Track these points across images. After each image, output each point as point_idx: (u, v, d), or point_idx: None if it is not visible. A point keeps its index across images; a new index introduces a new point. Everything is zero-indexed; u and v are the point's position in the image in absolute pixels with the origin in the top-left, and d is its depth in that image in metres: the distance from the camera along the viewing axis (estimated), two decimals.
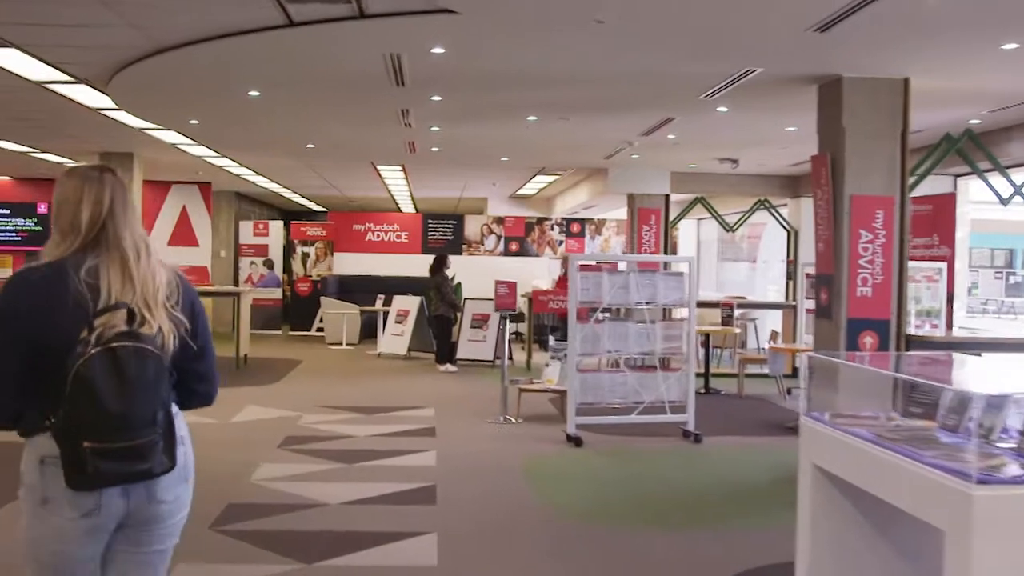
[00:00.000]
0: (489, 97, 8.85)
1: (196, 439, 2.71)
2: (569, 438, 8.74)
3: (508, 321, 10.64)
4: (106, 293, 2.42)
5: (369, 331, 17.52)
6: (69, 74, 8.00)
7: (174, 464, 2.45)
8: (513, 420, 9.80)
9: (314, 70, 7.77)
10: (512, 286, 10.77)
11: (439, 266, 14.42)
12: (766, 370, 12.59)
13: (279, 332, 19.48)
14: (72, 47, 7.14)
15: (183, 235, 18.58)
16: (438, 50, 6.84)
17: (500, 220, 21.18)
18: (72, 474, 2.31)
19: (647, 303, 8.96)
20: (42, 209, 18.05)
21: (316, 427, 9.25)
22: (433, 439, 8.84)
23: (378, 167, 15.77)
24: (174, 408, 2.51)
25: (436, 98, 8.79)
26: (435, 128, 10.69)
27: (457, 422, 9.77)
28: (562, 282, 16.30)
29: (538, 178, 17.49)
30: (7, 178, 18.27)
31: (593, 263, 13.54)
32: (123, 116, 10.32)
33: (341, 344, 17.29)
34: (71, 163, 15.20)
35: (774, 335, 13.24)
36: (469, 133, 11.18)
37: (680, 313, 9.87)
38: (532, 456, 8.22)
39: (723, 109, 9.06)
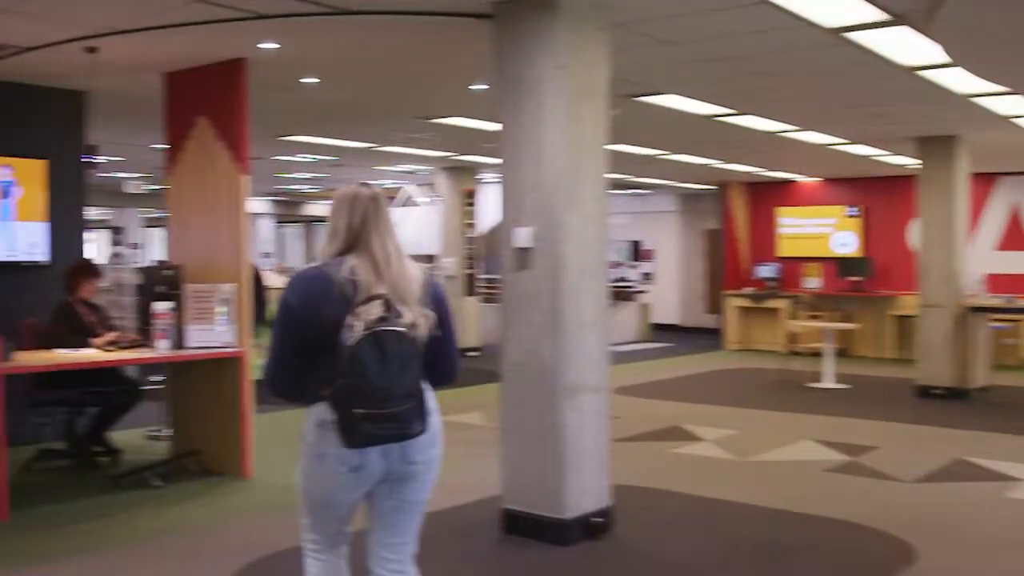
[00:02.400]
0: None
1: None
2: None
3: None
4: (363, 288, 2.87)
5: None
6: (882, 8, 5.67)
7: (425, 429, 2.93)
8: None
9: None
10: None
11: None
12: None
13: None
14: None
15: (1015, 238, 15.29)
16: None
17: None
18: (346, 435, 2.81)
19: None
20: (852, 212, 16.25)
21: None
22: None
23: None
24: (425, 385, 2.97)
25: None
26: None
27: None
28: None
29: None
30: (817, 179, 16.80)
31: None
32: (946, 78, 7.72)
33: None
34: (884, 155, 13.21)
35: None
36: None
37: None
38: None
39: None
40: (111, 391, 7.12)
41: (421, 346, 2.92)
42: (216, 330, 6.69)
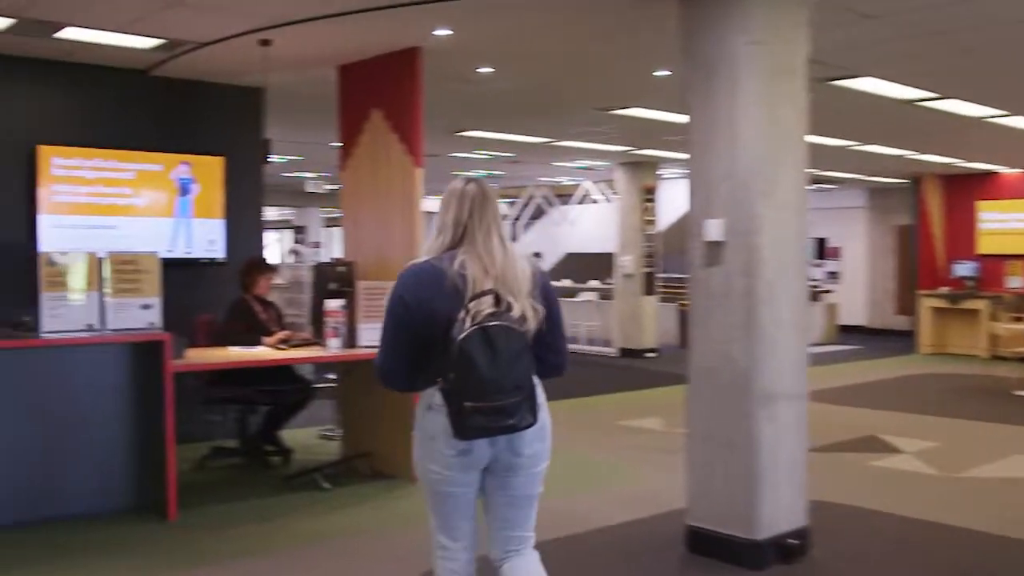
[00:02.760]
0: None
1: None
2: None
3: None
4: (472, 282, 2.95)
5: None
6: None
7: (535, 422, 2.95)
8: None
9: None
10: None
11: None
12: None
13: None
14: None
15: None
16: None
17: None
18: (457, 428, 2.86)
19: None
20: None
21: None
22: None
23: None
24: (536, 379, 3.01)
25: None
26: None
27: None
28: None
29: None
30: (1021, 171, 15.62)
31: None
32: None
33: None
34: None
35: None
36: None
37: None
38: None
39: None
40: (284, 390, 7.02)
41: (530, 339, 2.97)
42: None
